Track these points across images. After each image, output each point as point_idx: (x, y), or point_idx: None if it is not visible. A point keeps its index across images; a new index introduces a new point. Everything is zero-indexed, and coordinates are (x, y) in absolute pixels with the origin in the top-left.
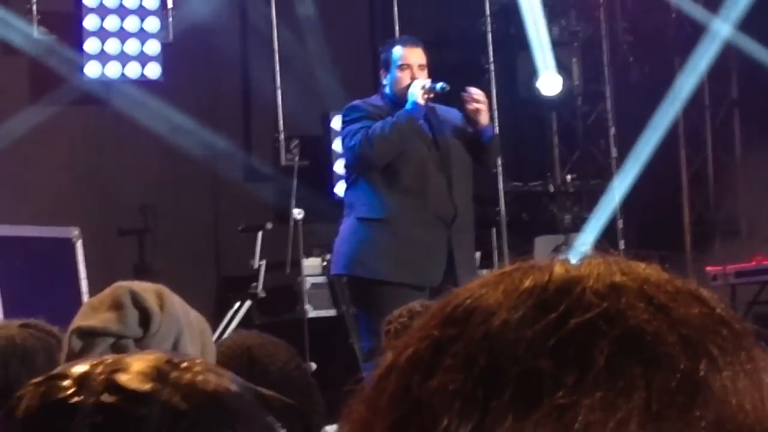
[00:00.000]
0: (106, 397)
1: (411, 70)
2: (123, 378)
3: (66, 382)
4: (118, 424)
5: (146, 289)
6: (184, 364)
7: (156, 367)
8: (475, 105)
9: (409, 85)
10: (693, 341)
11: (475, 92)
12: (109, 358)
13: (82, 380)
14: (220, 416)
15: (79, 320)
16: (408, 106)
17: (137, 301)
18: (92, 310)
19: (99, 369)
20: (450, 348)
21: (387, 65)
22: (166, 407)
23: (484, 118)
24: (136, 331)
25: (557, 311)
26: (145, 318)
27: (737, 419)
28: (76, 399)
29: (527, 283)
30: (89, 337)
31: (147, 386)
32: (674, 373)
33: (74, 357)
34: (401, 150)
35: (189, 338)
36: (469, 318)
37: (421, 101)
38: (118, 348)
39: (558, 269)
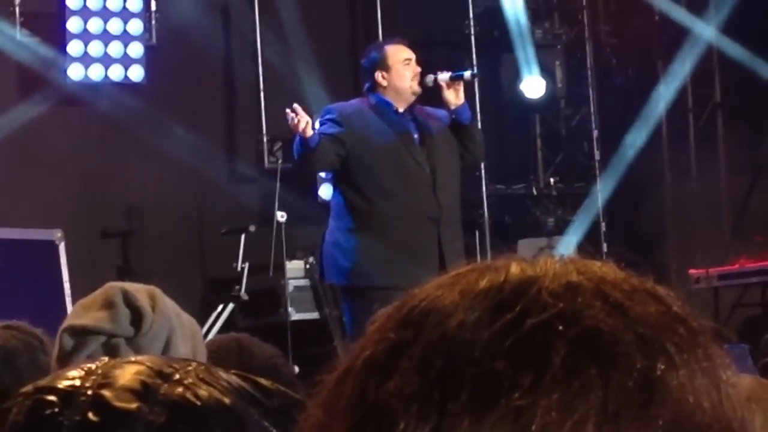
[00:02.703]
0: (91, 416)
1: (413, 64)
2: (109, 394)
3: (53, 398)
4: None
5: (138, 289)
6: (176, 376)
7: (144, 382)
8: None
9: (420, 81)
10: (649, 340)
11: (445, 75)
12: (99, 368)
13: (68, 396)
14: (211, 428)
15: (71, 319)
16: (297, 142)
17: (129, 301)
18: (84, 309)
19: (87, 383)
20: (406, 350)
21: (383, 65)
22: (151, 427)
23: (458, 97)
24: (127, 330)
25: (513, 312)
26: (137, 318)
27: (695, 418)
28: (61, 417)
29: (483, 283)
30: (81, 335)
31: (132, 405)
32: (631, 372)
33: (66, 356)
34: (371, 156)
35: (180, 339)
36: (425, 320)
37: (308, 134)
38: (109, 347)
39: (514, 269)
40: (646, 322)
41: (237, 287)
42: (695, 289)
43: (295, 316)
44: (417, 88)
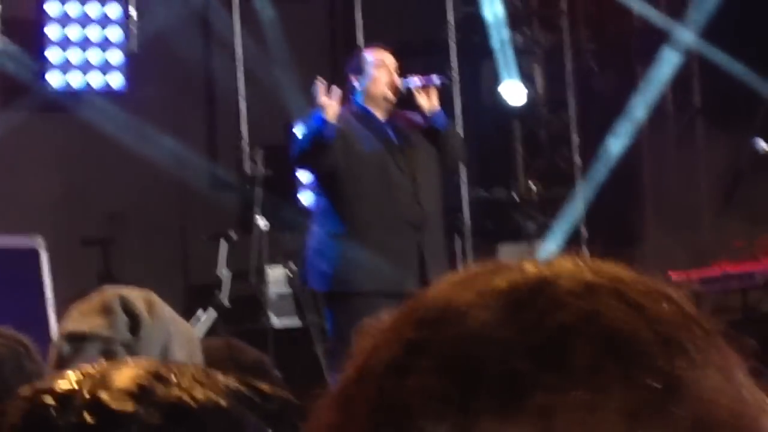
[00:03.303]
0: (87, 418)
1: (387, 69)
2: (106, 397)
3: (50, 400)
4: None
5: (135, 295)
6: (173, 378)
7: (140, 384)
8: (419, 91)
9: (392, 85)
10: (668, 339)
11: (414, 80)
12: (96, 371)
13: (65, 399)
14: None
15: (69, 324)
16: (313, 122)
17: (127, 307)
18: (81, 315)
19: (84, 385)
20: (425, 350)
21: (358, 69)
22: (147, 429)
23: (432, 103)
24: (125, 336)
25: (533, 311)
26: (135, 323)
27: (713, 415)
28: (58, 419)
29: (499, 282)
30: (79, 341)
31: (128, 406)
32: (652, 371)
33: (63, 361)
34: (343, 156)
35: (177, 344)
36: (443, 319)
37: (331, 118)
38: (107, 353)
39: (529, 268)
40: (664, 321)
41: (218, 294)
42: None
43: (277, 322)
44: (389, 95)
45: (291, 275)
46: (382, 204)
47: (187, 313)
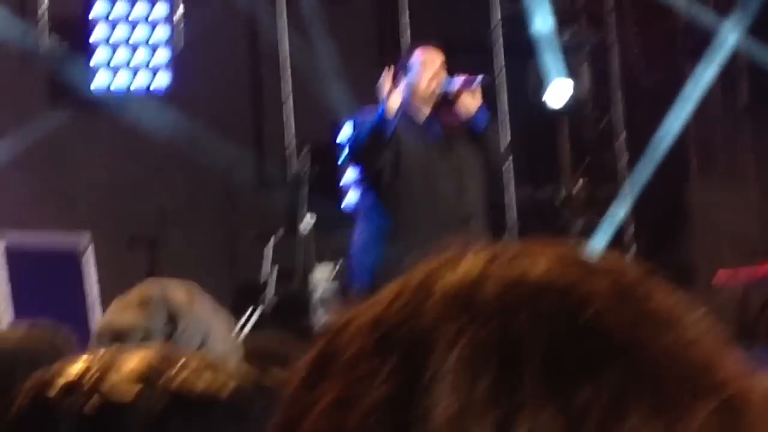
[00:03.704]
0: (91, 404)
1: (434, 68)
2: (113, 379)
3: (56, 386)
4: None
5: (175, 287)
6: (182, 361)
7: (150, 366)
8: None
9: (437, 84)
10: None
11: (458, 80)
12: (107, 354)
13: (71, 385)
14: (208, 420)
15: (109, 317)
16: (378, 116)
17: (167, 300)
18: (122, 308)
19: (90, 371)
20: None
21: (407, 68)
22: (150, 415)
23: (476, 101)
24: (165, 328)
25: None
26: (173, 316)
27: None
28: (62, 405)
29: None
30: (118, 334)
31: (133, 391)
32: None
33: None
34: (397, 155)
35: (217, 338)
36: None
37: (391, 113)
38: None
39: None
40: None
41: (265, 292)
42: (724, 290)
43: (324, 320)
44: (434, 93)
45: (337, 273)
46: (428, 200)
47: (235, 312)
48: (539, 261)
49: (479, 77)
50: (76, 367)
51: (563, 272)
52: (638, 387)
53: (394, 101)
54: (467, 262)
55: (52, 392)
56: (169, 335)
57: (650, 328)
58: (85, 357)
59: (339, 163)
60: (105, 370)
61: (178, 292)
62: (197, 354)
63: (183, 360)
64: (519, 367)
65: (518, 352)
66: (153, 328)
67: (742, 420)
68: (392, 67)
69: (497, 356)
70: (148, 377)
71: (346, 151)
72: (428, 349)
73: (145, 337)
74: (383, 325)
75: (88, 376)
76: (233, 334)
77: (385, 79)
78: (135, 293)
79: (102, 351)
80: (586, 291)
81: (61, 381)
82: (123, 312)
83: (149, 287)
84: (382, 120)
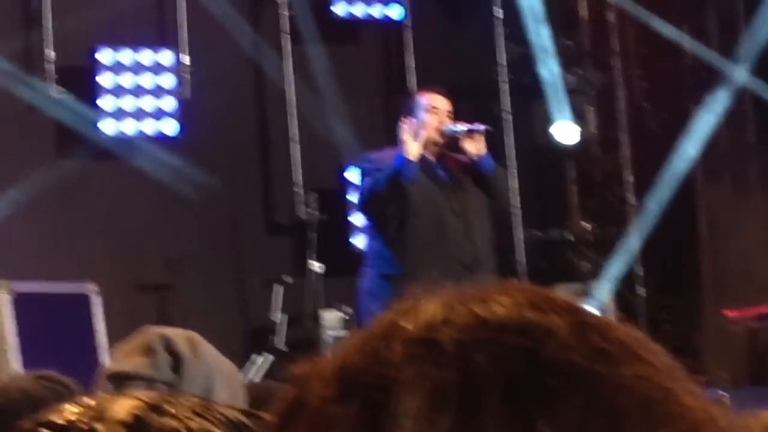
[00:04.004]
0: None
1: (439, 114)
2: (102, 428)
3: (51, 426)
4: None
5: (178, 334)
6: (170, 409)
7: (137, 416)
8: (465, 137)
9: (441, 132)
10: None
11: (460, 126)
12: (95, 402)
13: (63, 430)
14: None
15: (112, 365)
16: (397, 163)
17: (169, 346)
18: (124, 355)
19: (84, 417)
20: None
21: (411, 113)
22: None
23: (479, 148)
24: (168, 376)
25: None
26: (178, 363)
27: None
28: None
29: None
30: (121, 381)
31: None
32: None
33: None
34: (406, 202)
35: (221, 384)
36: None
37: (413, 157)
38: None
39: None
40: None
41: (274, 338)
42: (733, 330)
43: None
44: (437, 139)
45: (346, 318)
46: (435, 245)
47: (245, 357)
48: (499, 303)
49: (481, 126)
50: (69, 410)
51: (522, 312)
52: (596, 423)
53: (414, 148)
54: (429, 307)
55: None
56: (172, 382)
57: (607, 363)
58: (77, 402)
59: (348, 208)
60: (96, 414)
61: (180, 338)
62: (188, 400)
63: (172, 405)
64: (479, 407)
65: (478, 393)
66: (157, 376)
67: None
68: (403, 112)
69: (457, 398)
70: (140, 422)
71: (359, 198)
72: (389, 394)
73: (149, 385)
74: (347, 372)
75: (83, 418)
76: (238, 382)
77: (406, 126)
78: (137, 340)
79: (94, 397)
80: (544, 329)
81: (57, 421)
82: (125, 359)
83: (150, 334)
84: (402, 167)
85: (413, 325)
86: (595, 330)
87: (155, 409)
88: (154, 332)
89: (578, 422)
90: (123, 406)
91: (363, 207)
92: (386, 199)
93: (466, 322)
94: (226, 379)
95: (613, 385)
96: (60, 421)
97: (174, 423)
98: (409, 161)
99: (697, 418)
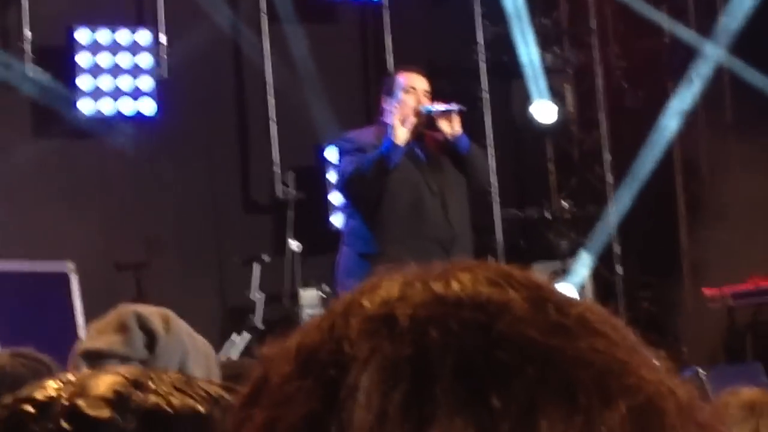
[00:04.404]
0: (64, 425)
1: (416, 95)
2: (83, 404)
3: (30, 408)
4: None
5: (151, 312)
6: (151, 385)
7: (117, 391)
8: (440, 117)
9: (417, 112)
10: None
11: (436, 106)
12: (77, 380)
13: (44, 406)
14: None
15: (86, 342)
16: (384, 147)
17: (143, 324)
18: (98, 333)
19: (64, 393)
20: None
21: (389, 90)
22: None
23: (453, 128)
24: (142, 353)
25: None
26: (151, 340)
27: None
28: (36, 426)
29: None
30: (95, 359)
31: (105, 413)
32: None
33: None
34: (387, 181)
35: (194, 361)
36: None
37: (400, 142)
38: None
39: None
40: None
41: (252, 317)
42: (711, 308)
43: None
44: (414, 119)
45: (324, 297)
46: (413, 224)
47: (223, 336)
48: (457, 280)
49: (455, 107)
50: (51, 386)
51: (478, 288)
52: (549, 395)
53: (403, 133)
54: (388, 285)
55: (28, 408)
56: (146, 359)
57: (562, 337)
58: (53, 380)
59: (326, 187)
60: (77, 390)
61: (154, 316)
62: (169, 376)
63: (153, 380)
64: (431, 380)
65: (430, 367)
66: (130, 353)
67: (657, 423)
68: (382, 92)
69: (410, 372)
70: (121, 397)
71: (340, 177)
72: (344, 369)
73: (123, 362)
74: (306, 350)
75: (63, 393)
76: (213, 359)
77: (395, 111)
78: (110, 318)
79: (75, 373)
80: (499, 304)
81: (38, 397)
82: (99, 337)
83: (124, 311)
84: (389, 152)
85: (370, 302)
86: (553, 305)
87: (137, 384)
88: (128, 310)
89: (531, 395)
90: (104, 382)
91: (345, 187)
92: (371, 182)
93: (423, 299)
94: (200, 356)
95: (568, 358)
96: (41, 397)
97: (155, 398)
98: (397, 146)
99: (655, 390)
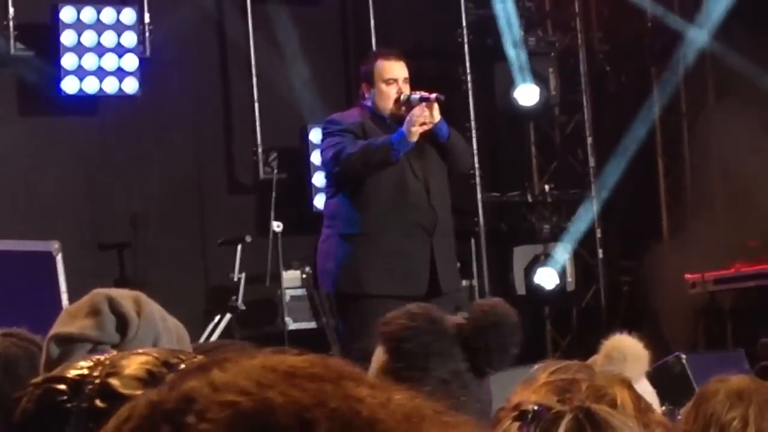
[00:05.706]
0: (98, 403)
1: (397, 85)
2: (116, 382)
3: (62, 386)
4: None
5: (123, 295)
6: (181, 366)
7: (149, 370)
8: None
9: (397, 101)
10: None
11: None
12: (107, 360)
13: (77, 384)
14: None
15: (58, 327)
16: (395, 138)
17: (114, 307)
18: (70, 317)
19: (95, 372)
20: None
21: (369, 79)
22: None
23: (432, 116)
24: (113, 337)
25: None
26: (123, 324)
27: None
28: (70, 404)
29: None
30: (67, 343)
31: (138, 392)
32: None
33: (52, 364)
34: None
35: (167, 343)
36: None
37: (412, 140)
38: (96, 354)
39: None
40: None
41: (234, 297)
42: (692, 293)
43: (293, 325)
44: (393, 109)
45: (306, 278)
46: (395, 206)
47: (207, 316)
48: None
49: (433, 96)
50: (82, 366)
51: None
52: None
53: (417, 134)
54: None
55: (61, 386)
56: (119, 343)
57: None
58: (85, 359)
59: (308, 169)
60: (109, 370)
61: (126, 299)
62: (195, 356)
63: (185, 362)
64: None
65: None
66: (102, 337)
67: None
68: (361, 78)
69: None
70: (153, 376)
71: (335, 157)
72: None
73: (95, 347)
74: None
75: (96, 373)
76: (186, 341)
77: (422, 116)
78: (83, 302)
79: (103, 355)
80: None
81: (70, 376)
82: (72, 321)
83: (97, 296)
84: (400, 144)
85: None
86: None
87: (167, 364)
88: (100, 293)
89: None
90: (135, 362)
91: (343, 165)
92: (372, 167)
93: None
94: (172, 338)
95: None
96: (73, 376)
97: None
98: (408, 143)
99: None
